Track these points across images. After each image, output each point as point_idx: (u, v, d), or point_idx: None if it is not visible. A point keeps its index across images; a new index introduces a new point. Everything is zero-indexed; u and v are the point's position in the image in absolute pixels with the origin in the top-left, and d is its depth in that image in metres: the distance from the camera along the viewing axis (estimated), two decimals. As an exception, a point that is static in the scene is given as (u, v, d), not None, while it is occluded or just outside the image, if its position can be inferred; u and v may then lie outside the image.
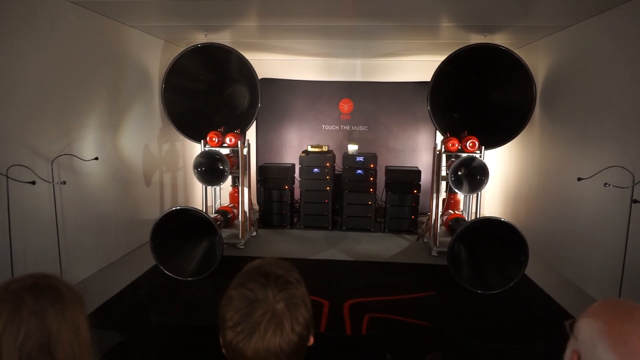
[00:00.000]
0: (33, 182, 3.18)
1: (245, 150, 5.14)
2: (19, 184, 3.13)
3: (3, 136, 3.16)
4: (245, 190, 5.18)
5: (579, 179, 3.68)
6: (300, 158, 5.91)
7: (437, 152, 4.96)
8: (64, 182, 3.61)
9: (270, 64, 6.81)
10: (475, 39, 5.04)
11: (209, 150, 4.89)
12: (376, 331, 1.92)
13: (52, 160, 3.56)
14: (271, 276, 0.94)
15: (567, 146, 4.46)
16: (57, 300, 0.92)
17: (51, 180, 3.52)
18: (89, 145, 4.16)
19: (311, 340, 0.99)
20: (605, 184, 3.42)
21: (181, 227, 4.35)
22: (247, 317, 0.89)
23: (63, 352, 0.88)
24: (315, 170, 5.87)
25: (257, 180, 6.10)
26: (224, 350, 0.95)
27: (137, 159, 5.13)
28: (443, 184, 5.10)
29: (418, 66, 6.65)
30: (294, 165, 6.22)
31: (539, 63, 5.10)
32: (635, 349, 0.76)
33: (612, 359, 0.77)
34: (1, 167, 3.03)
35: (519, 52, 5.02)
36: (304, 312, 0.93)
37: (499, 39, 5.12)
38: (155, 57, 5.52)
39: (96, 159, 4.08)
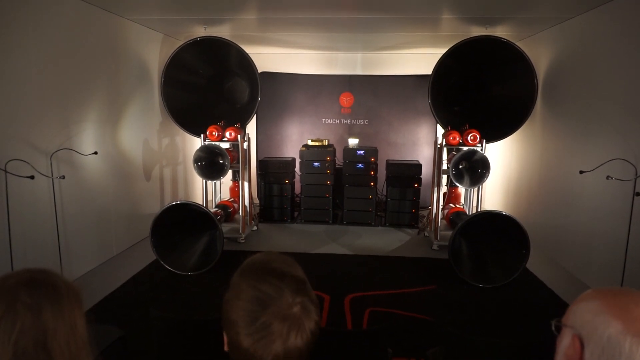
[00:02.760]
0: (32, 177, 3.16)
1: (245, 145, 5.12)
2: (18, 179, 3.12)
3: (1, 130, 3.14)
4: (246, 184, 5.16)
5: (581, 172, 3.67)
6: (301, 152, 5.88)
7: (438, 146, 4.94)
8: (63, 177, 3.59)
9: (270, 57, 6.77)
10: (477, 31, 5.00)
11: (208, 144, 4.87)
12: (377, 326, 1.91)
13: (51, 155, 3.54)
14: (286, 277, 0.92)
15: (569, 139, 4.43)
16: (54, 296, 0.90)
17: (50, 175, 3.51)
18: (88, 140, 4.14)
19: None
20: (607, 177, 3.41)
21: (181, 222, 4.33)
22: (266, 326, 0.86)
23: (59, 348, 0.87)
24: (316, 164, 5.85)
25: (258, 175, 6.08)
26: (226, 348, 0.94)
27: (136, 153, 5.11)
28: (444, 177, 5.08)
29: (419, 59, 6.61)
30: (294, 159, 6.20)
31: (540, 55, 5.06)
32: (637, 315, 0.78)
33: (617, 326, 0.77)
34: (0, 161, 3.01)
35: (521, 45, 4.98)
36: (316, 309, 0.93)
37: (501, 32, 5.08)
38: (154, 51, 5.48)
39: (95, 153, 4.06)
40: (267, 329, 0.86)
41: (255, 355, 0.87)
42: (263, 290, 0.89)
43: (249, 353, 0.87)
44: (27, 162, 3.20)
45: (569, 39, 4.53)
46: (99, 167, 4.31)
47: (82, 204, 4.06)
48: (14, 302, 0.85)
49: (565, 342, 0.86)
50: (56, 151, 3.60)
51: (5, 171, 3.03)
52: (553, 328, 0.90)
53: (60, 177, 3.58)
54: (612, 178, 3.38)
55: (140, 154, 5.18)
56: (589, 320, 0.81)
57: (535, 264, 4.26)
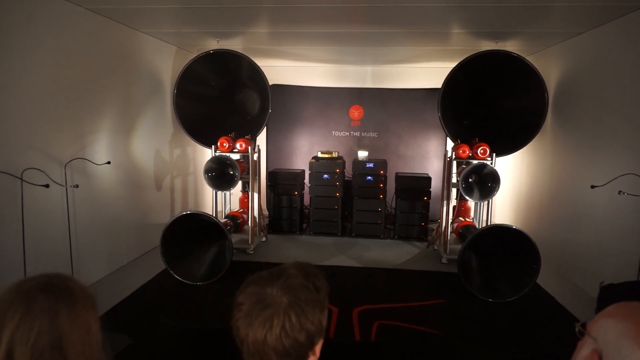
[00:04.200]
0: (47, 186, 3.22)
1: (255, 156, 5.16)
2: (33, 187, 3.18)
3: (18, 140, 3.22)
4: (255, 195, 5.19)
5: (592, 187, 3.64)
6: (310, 164, 5.91)
7: (448, 159, 4.94)
8: (77, 186, 3.65)
9: (281, 70, 6.85)
10: (487, 45, 5.02)
11: (219, 155, 4.92)
12: (385, 338, 1.90)
13: (66, 164, 3.61)
14: (283, 275, 0.97)
15: (580, 153, 4.41)
16: (69, 300, 0.93)
17: (64, 184, 3.57)
18: (101, 150, 4.21)
19: (317, 353, 0.98)
20: (619, 192, 3.38)
21: (191, 232, 4.37)
22: (249, 303, 0.94)
23: (74, 351, 0.89)
24: (325, 176, 5.87)
25: (267, 186, 6.11)
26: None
27: (148, 163, 5.18)
28: (454, 191, 5.06)
29: (429, 73, 6.65)
30: (303, 171, 6.23)
31: (551, 70, 5.06)
32: None
33: None
34: (16, 170, 3.08)
35: (531, 59, 4.99)
36: (303, 318, 0.92)
37: (511, 46, 5.10)
38: (167, 63, 5.59)
39: (108, 163, 4.13)
40: (245, 307, 0.93)
41: (235, 327, 0.94)
42: (261, 278, 0.98)
43: (235, 326, 0.94)
44: (42, 171, 3.27)
45: (579, 53, 4.54)
46: (111, 177, 4.38)
47: (94, 213, 4.12)
48: (32, 305, 0.88)
49: (584, 352, 0.84)
50: (70, 160, 3.67)
51: (22, 179, 3.09)
52: (576, 330, 0.89)
53: (74, 186, 3.64)
54: (624, 193, 3.35)
55: (151, 164, 5.25)
56: (613, 340, 0.78)
57: (545, 279, 4.21)
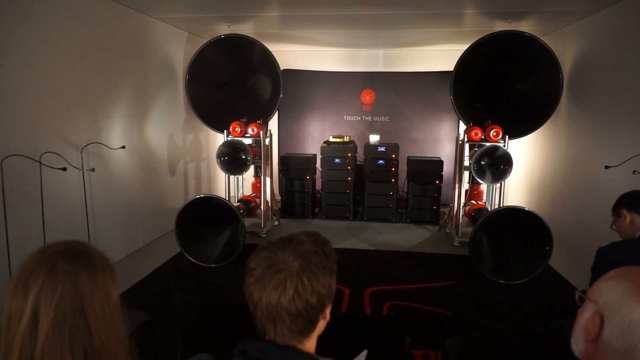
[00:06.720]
0: (64, 169, 3.30)
1: (267, 141, 5.19)
2: (51, 170, 3.26)
3: (37, 125, 3.29)
4: (268, 180, 5.23)
5: (607, 167, 3.60)
6: (322, 148, 5.93)
7: (460, 142, 4.91)
8: (93, 169, 3.73)
9: (292, 55, 6.84)
10: (500, 26, 4.95)
11: (231, 139, 4.95)
12: (395, 312, 1.94)
13: (82, 148, 3.68)
14: (294, 242, 1.00)
15: (595, 134, 4.35)
16: (89, 265, 0.97)
17: (81, 167, 3.65)
18: (116, 135, 4.28)
19: (327, 317, 1.02)
20: (634, 172, 3.34)
21: (205, 216, 4.43)
22: (262, 268, 0.96)
23: (94, 313, 0.93)
24: (337, 160, 5.88)
25: (279, 171, 6.16)
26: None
27: (162, 148, 5.25)
28: (466, 174, 5.04)
29: (441, 56, 6.58)
30: (315, 155, 6.25)
31: (566, 50, 4.97)
32: None
33: None
34: (35, 153, 3.16)
35: (546, 40, 4.90)
36: (314, 281, 0.96)
37: (525, 26, 5.01)
38: (179, 49, 5.62)
39: (123, 147, 4.20)
40: (258, 271, 0.95)
41: (247, 291, 0.97)
42: (274, 244, 1.00)
43: (247, 290, 0.97)
44: (60, 155, 3.35)
45: (596, 32, 4.45)
46: (126, 161, 4.45)
47: (110, 196, 4.21)
48: (54, 269, 0.92)
49: (585, 316, 0.87)
50: (86, 145, 3.75)
51: (40, 163, 3.17)
52: (576, 297, 0.91)
53: (90, 170, 3.72)
54: (638, 173, 3.31)
55: (165, 149, 5.32)
56: (614, 301, 0.81)
57: (558, 262, 4.20)
